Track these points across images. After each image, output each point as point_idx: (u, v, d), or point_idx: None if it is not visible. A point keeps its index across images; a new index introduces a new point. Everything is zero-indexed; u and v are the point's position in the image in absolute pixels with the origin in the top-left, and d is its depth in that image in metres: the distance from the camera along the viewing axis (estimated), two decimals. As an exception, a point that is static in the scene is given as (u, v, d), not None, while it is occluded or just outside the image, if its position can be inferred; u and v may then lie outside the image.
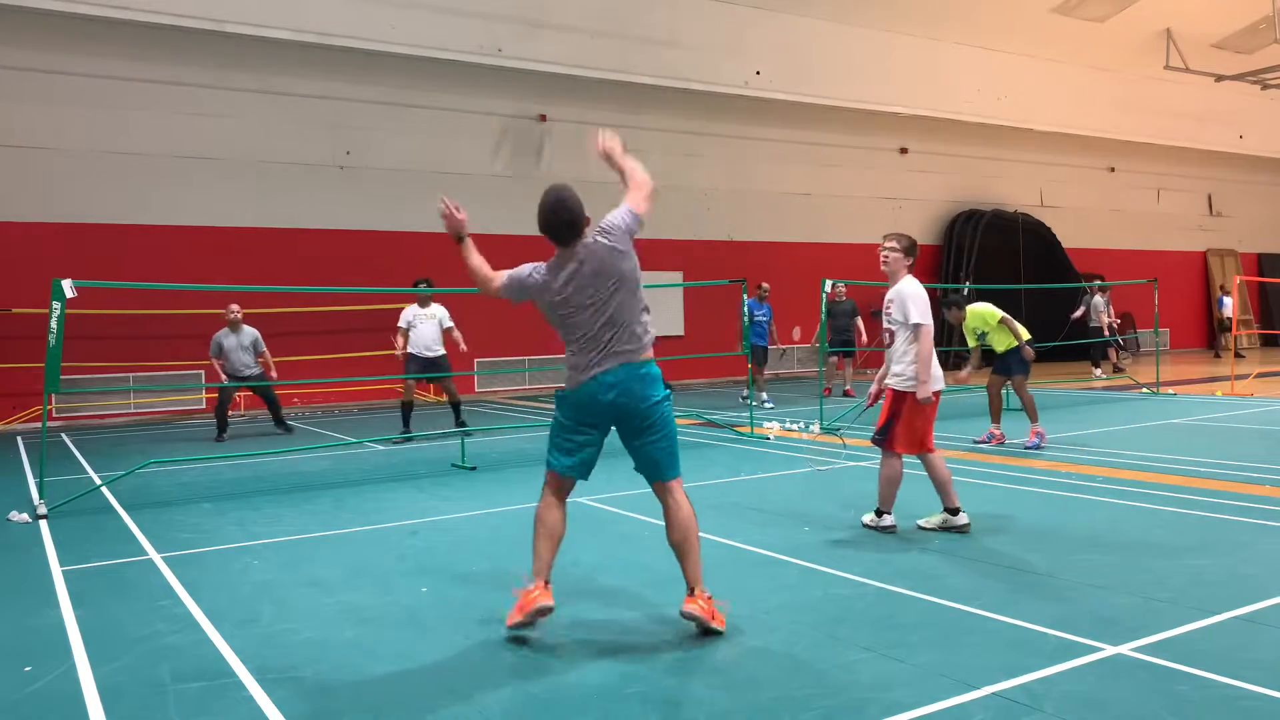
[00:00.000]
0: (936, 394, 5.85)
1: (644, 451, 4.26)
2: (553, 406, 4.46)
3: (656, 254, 19.36)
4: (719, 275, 17.73)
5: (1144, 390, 15.10)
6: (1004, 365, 9.84)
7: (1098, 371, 18.11)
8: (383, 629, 4.40)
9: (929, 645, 3.93)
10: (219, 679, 3.80)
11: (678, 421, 4.40)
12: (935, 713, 3.28)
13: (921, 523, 6.05)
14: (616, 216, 4.26)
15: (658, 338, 4.46)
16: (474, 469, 9.02)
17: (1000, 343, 9.78)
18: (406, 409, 11.44)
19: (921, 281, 6.07)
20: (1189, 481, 7.41)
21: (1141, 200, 27.52)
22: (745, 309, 12.43)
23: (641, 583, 4.97)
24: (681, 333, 19.52)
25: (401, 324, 11.22)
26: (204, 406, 15.74)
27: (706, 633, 4.13)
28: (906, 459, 5.96)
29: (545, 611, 4.13)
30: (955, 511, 5.92)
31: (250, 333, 12.19)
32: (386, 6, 15.82)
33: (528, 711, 3.43)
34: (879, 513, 6.00)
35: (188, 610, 4.75)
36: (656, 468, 4.27)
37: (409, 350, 11.16)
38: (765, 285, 15.21)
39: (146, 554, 6.00)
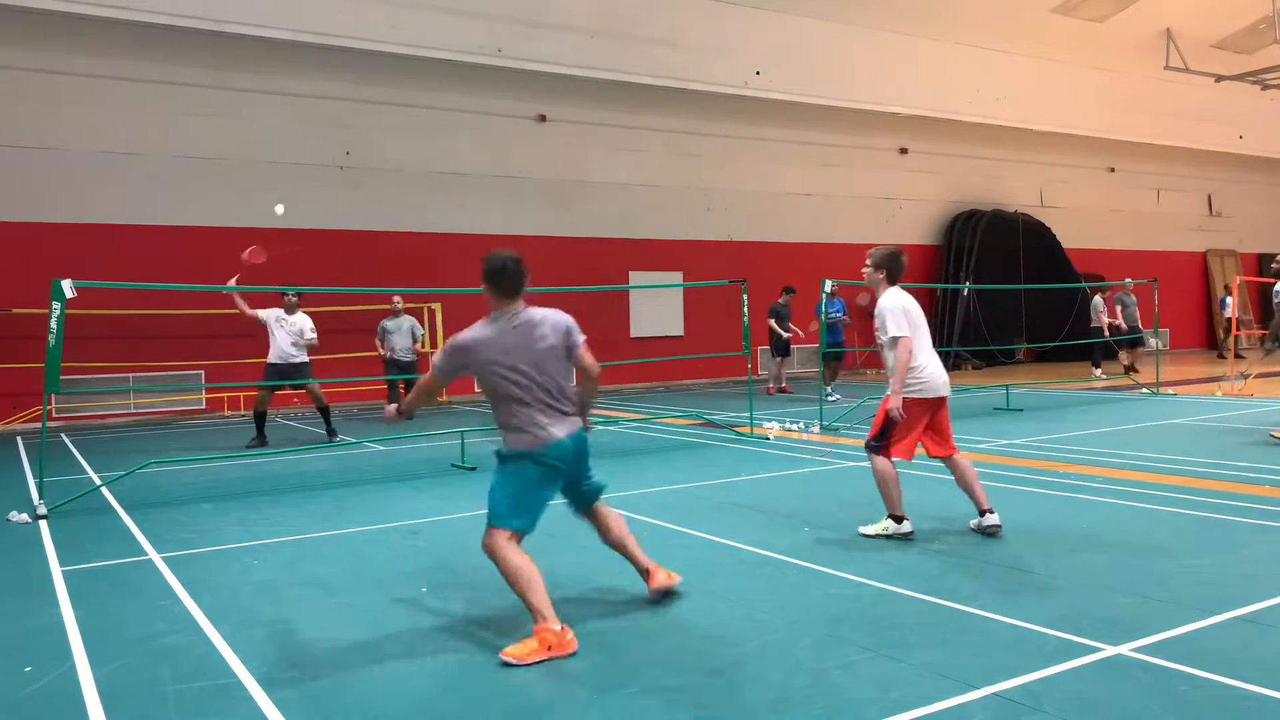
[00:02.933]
0: (925, 400, 5.79)
1: None
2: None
3: (656, 254, 19.41)
4: (719, 275, 17.72)
5: (1144, 390, 15.10)
6: None
7: (1098, 372, 18.08)
8: (383, 629, 4.40)
9: (929, 645, 3.93)
10: (219, 679, 3.80)
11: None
12: (935, 713, 3.28)
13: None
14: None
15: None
16: (474, 469, 9.01)
17: None
18: (260, 418, 11.37)
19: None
20: (1189, 481, 7.40)
21: (1141, 200, 27.50)
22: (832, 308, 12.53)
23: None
24: (681, 333, 19.53)
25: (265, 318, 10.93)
26: (204, 406, 15.76)
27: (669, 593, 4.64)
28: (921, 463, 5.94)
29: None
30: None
31: (408, 320, 13.23)
32: (386, 6, 15.81)
33: (527, 711, 3.43)
34: (895, 519, 5.78)
35: (188, 610, 4.75)
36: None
37: (269, 360, 11.00)
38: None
39: (146, 554, 6.01)
